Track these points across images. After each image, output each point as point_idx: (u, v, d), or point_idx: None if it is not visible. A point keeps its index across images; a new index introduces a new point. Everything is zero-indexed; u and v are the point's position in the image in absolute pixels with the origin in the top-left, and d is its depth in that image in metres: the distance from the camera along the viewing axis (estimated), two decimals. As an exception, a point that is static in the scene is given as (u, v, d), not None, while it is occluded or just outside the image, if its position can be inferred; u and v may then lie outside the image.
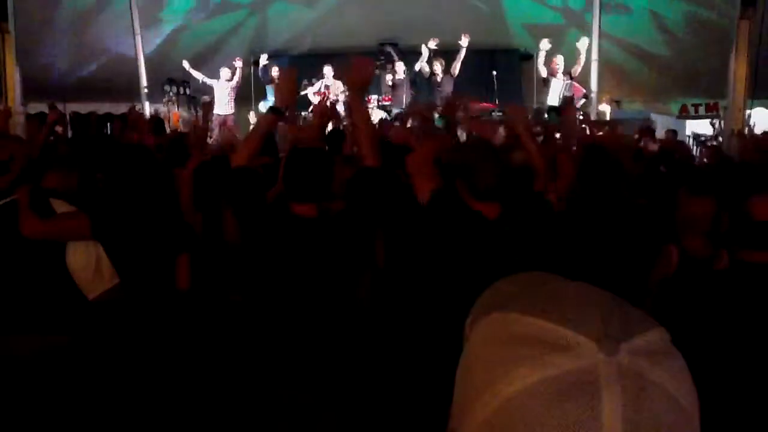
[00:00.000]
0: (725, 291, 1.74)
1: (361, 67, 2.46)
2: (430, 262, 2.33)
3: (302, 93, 9.76)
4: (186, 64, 9.75)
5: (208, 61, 10.65)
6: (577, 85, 8.80)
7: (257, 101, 10.14)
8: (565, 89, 8.58)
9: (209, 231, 3.01)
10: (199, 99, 10.05)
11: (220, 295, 2.84)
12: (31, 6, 9.49)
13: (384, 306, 2.64)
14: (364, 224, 2.32)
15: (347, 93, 9.50)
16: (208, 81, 9.63)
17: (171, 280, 2.56)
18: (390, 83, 9.52)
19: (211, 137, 7.71)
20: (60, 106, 8.03)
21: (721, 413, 1.31)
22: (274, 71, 9.72)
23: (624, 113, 10.69)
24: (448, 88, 8.90)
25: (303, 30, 11.77)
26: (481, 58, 10.66)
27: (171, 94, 10.43)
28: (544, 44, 8.60)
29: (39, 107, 7.70)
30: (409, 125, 5.23)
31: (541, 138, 3.29)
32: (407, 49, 10.23)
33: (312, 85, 9.79)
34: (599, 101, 9.89)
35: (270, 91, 9.87)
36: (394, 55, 9.67)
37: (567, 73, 8.63)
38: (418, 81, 9.57)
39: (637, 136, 6.97)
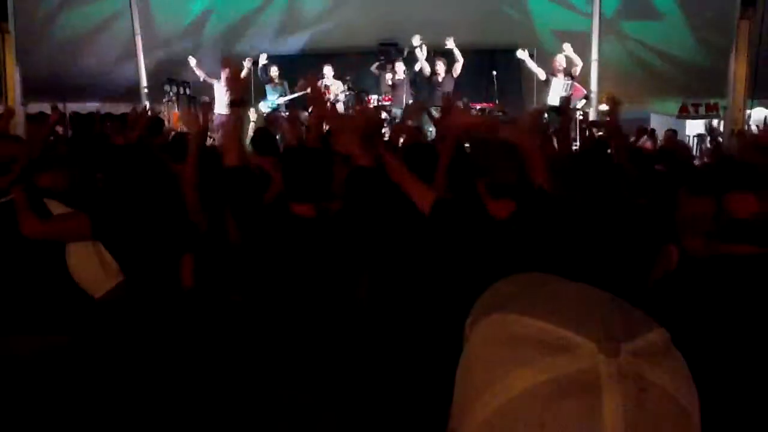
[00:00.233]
0: (717, 287, 1.75)
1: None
2: (430, 264, 2.33)
3: (302, 93, 9.77)
4: (192, 61, 9.72)
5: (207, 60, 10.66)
6: (577, 85, 8.80)
7: (257, 101, 10.14)
8: (565, 89, 8.59)
9: (214, 230, 3.01)
10: (199, 99, 10.05)
11: (222, 295, 2.84)
12: (31, 6, 9.50)
13: (384, 306, 2.64)
14: (362, 224, 2.32)
15: (346, 93, 9.54)
16: (209, 80, 9.61)
17: (173, 280, 2.56)
18: (390, 83, 9.51)
19: (212, 138, 7.71)
20: (60, 106, 8.03)
21: (721, 413, 1.31)
22: (273, 71, 9.72)
23: (624, 113, 10.67)
24: (448, 88, 8.90)
25: (303, 30, 11.77)
26: (481, 58, 10.65)
27: (171, 94, 10.43)
28: (522, 54, 8.75)
29: (39, 107, 7.70)
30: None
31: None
32: (408, 49, 10.22)
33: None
34: (599, 101, 9.89)
35: (270, 90, 9.86)
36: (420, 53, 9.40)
37: (567, 73, 8.64)
38: (418, 81, 9.57)
39: (633, 138, 6.98)
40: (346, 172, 2.61)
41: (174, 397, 2.20)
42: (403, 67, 9.43)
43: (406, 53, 9.65)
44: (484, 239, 2.20)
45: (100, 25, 10.79)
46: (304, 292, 2.15)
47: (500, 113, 8.96)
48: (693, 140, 9.81)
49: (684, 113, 10.38)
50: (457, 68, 9.06)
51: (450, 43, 9.01)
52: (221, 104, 9.49)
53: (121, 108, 7.94)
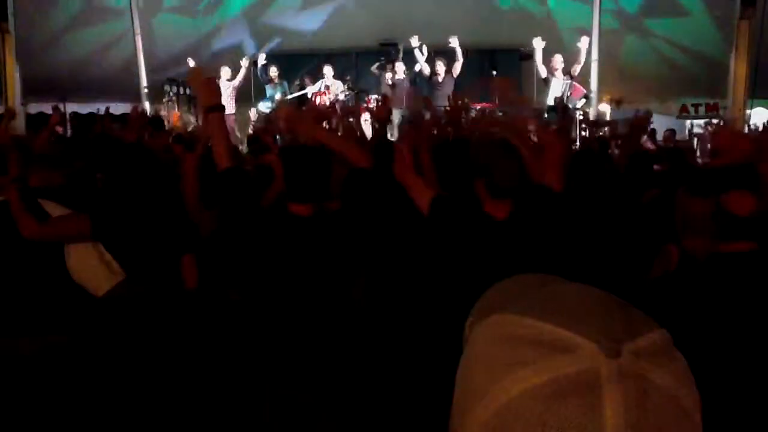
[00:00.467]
0: (717, 286, 1.75)
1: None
2: (428, 264, 2.33)
3: (302, 92, 9.77)
4: (191, 62, 9.72)
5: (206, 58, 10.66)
6: (577, 85, 8.79)
7: (257, 101, 10.14)
8: (565, 89, 8.58)
9: (218, 230, 3.00)
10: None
11: (221, 294, 2.84)
12: (31, 6, 9.50)
13: (382, 306, 2.64)
14: (360, 224, 2.32)
15: (346, 93, 9.53)
16: None
17: (173, 280, 2.56)
18: (390, 83, 9.51)
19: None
20: (60, 106, 8.04)
21: (723, 413, 1.31)
22: (273, 71, 9.72)
23: (624, 113, 10.68)
24: (448, 88, 8.90)
25: (303, 30, 11.77)
26: (481, 58, 10.65)
27: (171, 94, 10.42)
28: (538, 42, 8.56)
29: (39, 107, 7.70)
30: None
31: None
32: (409, 50, 10.22)
33: (312, 84, 9.79)
34: (599, 101, 9.89)
35: (270, 90, 9.86)
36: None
37: (567, 72, 8.63)
38: (418, 81, 9.56)
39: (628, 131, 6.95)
40: (345, 172, 2.61)
41: (174, 396, 2.20)
42: (403, 67, 9.43)
43: (401, 56, 9.62)
44: (482, 239, 2.20)
45: (100, 24, 10.80)
46: (302, 291, 2.15)
47: (500, 113, 8.93)
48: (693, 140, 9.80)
49: (684, 113, 10.38)
50: (457, 68, 9.06)
51: (454, 42, 8.99)
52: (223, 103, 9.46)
53: (121, 108, 7.92)
